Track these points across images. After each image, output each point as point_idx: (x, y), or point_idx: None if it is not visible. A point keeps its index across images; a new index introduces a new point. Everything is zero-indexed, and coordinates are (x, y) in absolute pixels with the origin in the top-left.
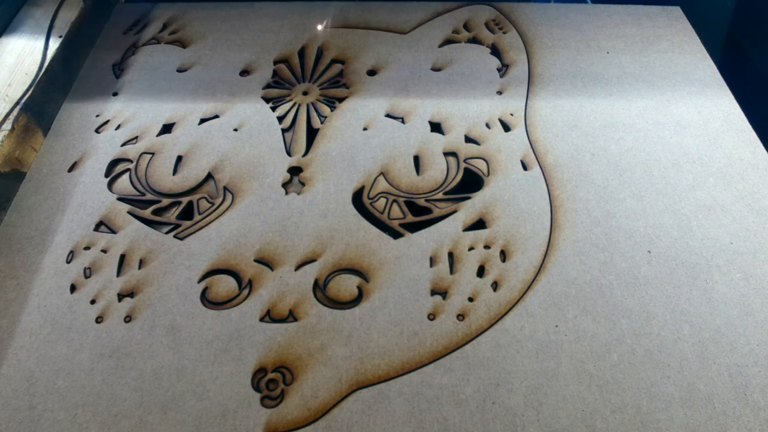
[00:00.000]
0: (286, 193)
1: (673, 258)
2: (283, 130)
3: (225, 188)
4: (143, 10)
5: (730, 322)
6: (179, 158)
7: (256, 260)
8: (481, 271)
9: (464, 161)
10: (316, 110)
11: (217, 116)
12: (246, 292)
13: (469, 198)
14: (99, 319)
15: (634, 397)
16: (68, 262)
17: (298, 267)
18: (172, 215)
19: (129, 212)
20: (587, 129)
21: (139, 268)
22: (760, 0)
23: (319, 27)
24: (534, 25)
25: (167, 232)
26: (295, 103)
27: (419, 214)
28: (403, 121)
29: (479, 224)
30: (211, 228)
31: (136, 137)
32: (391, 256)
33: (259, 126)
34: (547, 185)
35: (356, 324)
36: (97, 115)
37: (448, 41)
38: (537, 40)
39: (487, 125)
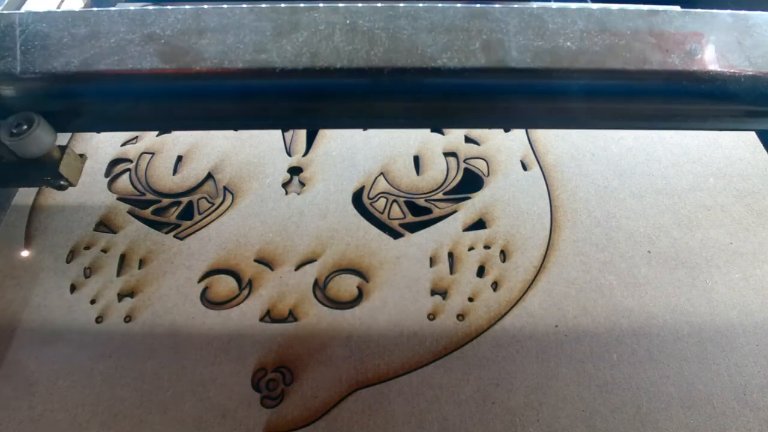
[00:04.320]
0: (286, 193)
1: (673, 258)
2: (283, 130)
3: (225, 188)
4: None
5: (730, 322)
6: (179, 158)
7: (256, 260)
8: (481, 271)
9: (464, 161)
10: None
11: None
12: (246, 292)
13: (469, 198)
14: (99, 319)
15: (633, 397)
16: (68, 262)
17: (298, 267)
18: (172, 215)
19: (129, 212)
20: (587, 129)
21: (139, 268)
22: (760, 0)
23: None
24: None
25: (167, 232)
26: None
27: (419, 214)
28: None
29: (479, 224)
30: (211, 228)
31: (136, 137)
32: (391, 256)
33: None
34: (547, 185)
35: (356, 324)
36: None
37: None
38: None
39: None
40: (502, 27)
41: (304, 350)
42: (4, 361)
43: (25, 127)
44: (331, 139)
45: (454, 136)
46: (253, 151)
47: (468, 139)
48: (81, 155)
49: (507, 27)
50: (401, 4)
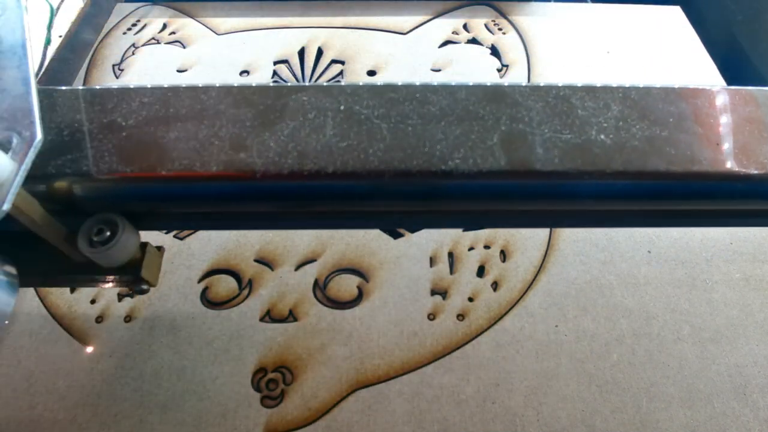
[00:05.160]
0: None
1: (673, 258)
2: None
3: None
4: (143, 10)
5: (730, 322)
6: None
7: (256, 260)
8: (481, 271)
9: None
10: None
11: None
12: (246, 292)
13: None
14: (99, 319)
15: (634, 397)
16: None
17: (298, 267)
18: None
19: None
20: None
21: None
22: (760, 0)
23: None
24: (534, 25)
25: (167, 232)
26: None
27: None
28: None
29: None
30: None
31: None
32: (391, 256)
33: None
34: None
35: (356, 324)
36: None
37: (447, 42)
38: (537, 40)
39: None
40: (524, 114)
41: (304, 350)
42: (4, 361)
43: (108, 233)
44: None
45: None
46: None
47: None
48: (158, 248)
49: (529, 113)
50: (402, 83)
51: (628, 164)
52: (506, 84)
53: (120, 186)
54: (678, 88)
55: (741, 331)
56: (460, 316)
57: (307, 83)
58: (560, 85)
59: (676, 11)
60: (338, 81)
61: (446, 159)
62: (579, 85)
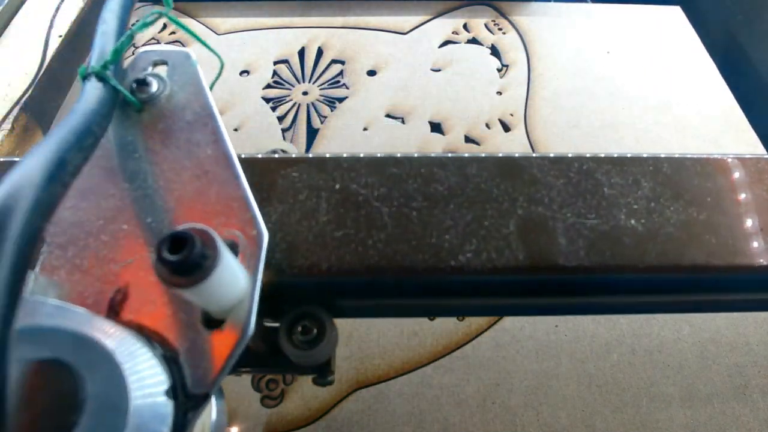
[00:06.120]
0: None
1: None
2: (283, 130)
3: None
4: (143, 10)
5: (730, 322)
6: None
7: None
8: None
9: None
10: (316, 110)
11: None
12: None
13: None
14: None
15: (634, 397)
16: None
17: None
18: None
19: None
20: (587, 129)
21: None
22: (760, 0)
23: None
24: (534, 25)
25: None
26: (295, 103)
27: None
28: (403, 121)
29: None
30: None
31: None
32: None
33: (259, 126)
34: None
35: (356, 324)
36: None
37: (447, 42)
38: (537, 40)
39: (487, 125)
40: (543, 193)
41: None
42: None
43: (315, 332)
44: (331, 139)
45: (454, 136)
46: (253, 152)
47: (468, 139)
48: None
49: (549, 193)
50: (402, 155)
51: (662, 257)
52: (522, 155)
53: (326, 281)
54: (715, 159)
55: (741, 331)
56: (461, 316)
57: (307, 83)
58: (585, 156)
59: (676, 11)
60: (338, 81)
61: (456, 253)
62: (603, 156)
